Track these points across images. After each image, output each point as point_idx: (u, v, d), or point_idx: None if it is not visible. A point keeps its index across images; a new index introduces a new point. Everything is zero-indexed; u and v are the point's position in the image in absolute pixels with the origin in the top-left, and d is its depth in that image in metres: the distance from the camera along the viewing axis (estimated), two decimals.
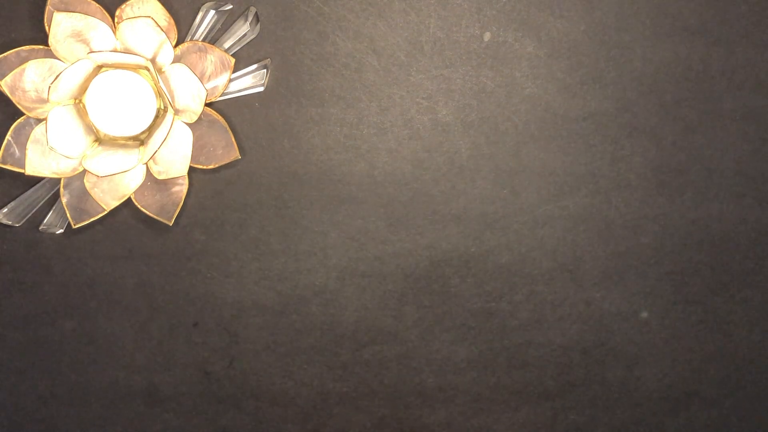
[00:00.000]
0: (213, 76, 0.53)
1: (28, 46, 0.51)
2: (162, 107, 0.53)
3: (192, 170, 0.54)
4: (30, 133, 0.52)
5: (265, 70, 0.54)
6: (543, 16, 0.55)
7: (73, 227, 0.54)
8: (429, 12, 0.55)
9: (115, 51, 0.51)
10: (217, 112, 0.54)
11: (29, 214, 0.55)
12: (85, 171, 0.53)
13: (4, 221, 0.54)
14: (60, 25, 0.50)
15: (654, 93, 0.56)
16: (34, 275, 0.56)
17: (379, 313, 0.58)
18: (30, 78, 0.51)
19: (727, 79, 0.57)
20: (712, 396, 0.61)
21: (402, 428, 0.60)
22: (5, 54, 0.51)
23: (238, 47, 0.54)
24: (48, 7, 0.51)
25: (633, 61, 0.56)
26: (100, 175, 0.52)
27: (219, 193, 0.56)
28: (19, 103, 0.51)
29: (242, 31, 0.53)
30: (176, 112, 0.53)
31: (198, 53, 0.53)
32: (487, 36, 0.55)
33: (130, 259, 0.56)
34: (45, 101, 0.52)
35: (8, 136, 0.52)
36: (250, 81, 0.54)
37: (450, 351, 0.59)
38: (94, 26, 0.51)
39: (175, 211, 0.55)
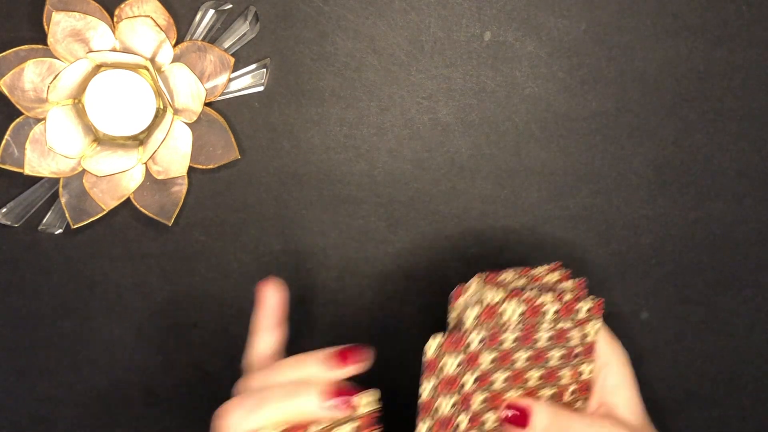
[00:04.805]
0: (212, 76, 0.53)
1: (27, 46, 0.51)
2: (161, 107, 0.52)
3: (191, 170, 0.54)
4: (29, 132, 0.52)
5: (264, 70, 0.54)
6: (543, 16, 0.55)
7: (72, 227, 0.54)
8: (429, 11, 0.55)
9: (114, 50, 0.51)
10: (216, 111, 0.54)
11: (28, 214, 0.54)
12: (84, 171, 0.52)
13: (3, 221, 0.54)
14: (59, 24, 0.50)
15: (655, 93, 0.56)
16: (33, 275, 0.56)
17: (379, 313, 0.58)
18: (29, 77, 0.51)
19: (728, 78, 0.57)
20: (712, 396, 0.61)
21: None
22: (4, 53, 0.51)
23: (238, 47, 0.54)
24: (47, 7, 0.51)
25: (633, 60, 0.56)
26: (99, 175, 0.52)
27: (219, 193, 0.56)
28: (18, 103, 0.51)
29: (242, 30, 0.53)
30: (176, 111, 0.53)
31: (197, 53, 0.52)
32: (487, 35, 0.55)
33: (129, 259, 0.56)
34: (44, 101, 0.51)
35: (7, 136, 0.52)
36: (250, 80, 0.54)
37: None
38: (94, 25, 0.51)
39: (174, 211, 0.54)
